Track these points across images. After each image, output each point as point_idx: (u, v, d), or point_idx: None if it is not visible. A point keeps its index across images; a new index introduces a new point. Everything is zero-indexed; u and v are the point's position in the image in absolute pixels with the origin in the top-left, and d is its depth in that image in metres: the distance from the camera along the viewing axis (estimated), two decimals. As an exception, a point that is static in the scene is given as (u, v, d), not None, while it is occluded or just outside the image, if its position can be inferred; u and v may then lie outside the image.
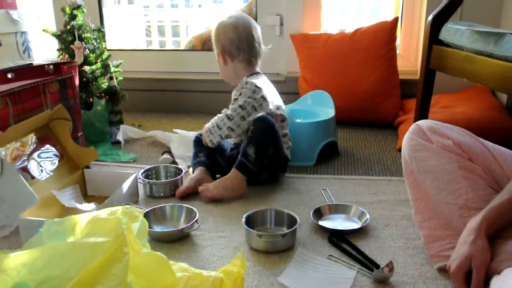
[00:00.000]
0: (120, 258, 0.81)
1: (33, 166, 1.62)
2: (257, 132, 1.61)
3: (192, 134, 2.12)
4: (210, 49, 3.01)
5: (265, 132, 1.61)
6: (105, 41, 2.32)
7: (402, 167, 1.31)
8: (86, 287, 0.77)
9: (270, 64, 2.71)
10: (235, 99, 1.71)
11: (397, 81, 2.45)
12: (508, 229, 1.06)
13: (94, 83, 2.18)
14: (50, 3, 2.90)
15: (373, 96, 2.40)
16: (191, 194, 1.64)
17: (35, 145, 1.64)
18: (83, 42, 2.15)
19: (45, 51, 2.93)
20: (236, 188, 1.60)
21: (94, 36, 2.22)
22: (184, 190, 1.63)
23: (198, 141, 1.82)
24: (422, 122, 1.28)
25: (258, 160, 1.60)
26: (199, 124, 2.52)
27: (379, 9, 2.95)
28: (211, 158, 1.77)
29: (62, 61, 2.16)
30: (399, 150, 1.89)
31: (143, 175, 1.71)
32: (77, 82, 1.82)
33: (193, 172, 1.73)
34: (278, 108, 1.75)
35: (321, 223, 1.41)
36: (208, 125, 1.75)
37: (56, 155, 1.67)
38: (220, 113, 1.72)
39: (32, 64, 2.51)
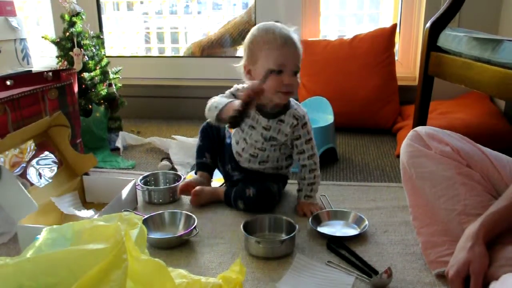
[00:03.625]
0: (119, 265, 0.81)
1: (32, 173, 1.62)
2: None
3: (192, 140, 2.12)
4: (209, 56, 3.05)
5: None
6: (104, 48, 2.33)
7: (401, 173, 1.31)
8: (84, 294, 0.77)
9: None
10: (307, 139, 1.56)
11: (396, 88, 2.46)
12: (506, 235, 1.06)
13: (93, 90, 2.19)
14: (49, 10, 2.91)
15: (372, 103, 2.41)
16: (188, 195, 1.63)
17: (34, 152, 1.64)
18: (82, 49, 2.16)
19: (44, 58, 2.94)
20: None
21: (93, 43, 2.23)
22: (186, 186, 1.62)
23: (205, 132, 1.71)
24: (420, 129, 1.28)
25: None
26: (198, 130, 2.52)
27: (378, 16, 2.96)
28: (215, 157, 1.71)
29: (61, 68, 2.16)
30: (398, 156, 1.90)
31: (142, 181, 1.71)
32: (76, 89, 1.82)
33: (196, 173, 1.71)
34: None
35: (319, 229, 1.41)
36: (314, 188, 1.59)
37: (55, 162, 1.67)
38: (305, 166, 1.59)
39: (31, 71, 2.51)
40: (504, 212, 1.06)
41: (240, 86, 1.58)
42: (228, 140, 1.68)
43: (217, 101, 1.49)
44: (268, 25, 1.51)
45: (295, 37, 1.48)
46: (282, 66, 1.43)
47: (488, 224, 1.05)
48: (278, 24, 1.51)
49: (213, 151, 1.71)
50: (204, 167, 1.71)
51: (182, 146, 2.08)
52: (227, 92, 1.58)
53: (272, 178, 1.62)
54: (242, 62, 1.53)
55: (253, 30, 1.53)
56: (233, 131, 1.63)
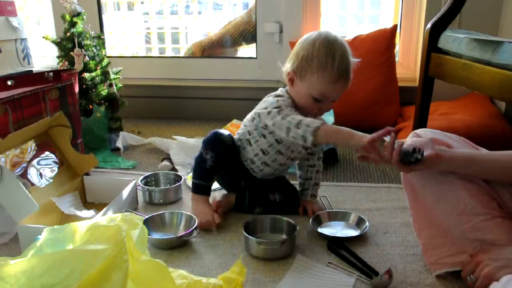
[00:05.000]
0: (120, 265, 0.81)
1: (32, 173, 1.62)
2: None
3: (193, 141, 2.12)
4: (209, 56, 3.05)
5: None
6: (104, 48, 2.33)
7: (401, 176, 1.31)
8: (85, 294, 0.77)
9: (269, 71, 2.73)
10: None
11: (396, 88, 2.46)
12: (503, 237, 1.07)
13: (93, 90, 2.19)
14: (50, 10, 2.91)
15: (372, 103, 2.41)
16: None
17: (34, 152, 1.64)
18: (83, 49, 2.16)
19: (45, 58, 2.94)
20: None
21: (94, 43, 2.23)
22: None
23: (217, 148, 1.48)
24: (420, 131, 1.28)
25: None
26: (198, 131, 2.52)
27: (378, 17, 2.96)
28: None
29: (61, 68, 2.16)
30: (398, 157, 1.90)
31: (143, 182, 1.71)
32: (76, 89, 1.82)
33: (196, 191, 1.54)
34: None
35: (320, 230, 1.41)
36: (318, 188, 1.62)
37: (55, 162, 1.67)
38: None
39: (31, 71, 2.52)
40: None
41: (282, 91, 1.47)
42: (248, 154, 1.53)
43: (307, 121, 1.33)
44: (330, 45, 1.36)
45: (351, 68, 1.39)
46: (325, 97, 1.40)
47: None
48: (340, 46, 1.37)
49: (221, 171, 1.54)
50: (208, 190, 1.54)
51: (183, 147, 2.08)
52: (280, 100, 1.41)
53: (284, 180, 1.63)
54: (288, 67, 1.43)
55: (314, 40, 1.39)
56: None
